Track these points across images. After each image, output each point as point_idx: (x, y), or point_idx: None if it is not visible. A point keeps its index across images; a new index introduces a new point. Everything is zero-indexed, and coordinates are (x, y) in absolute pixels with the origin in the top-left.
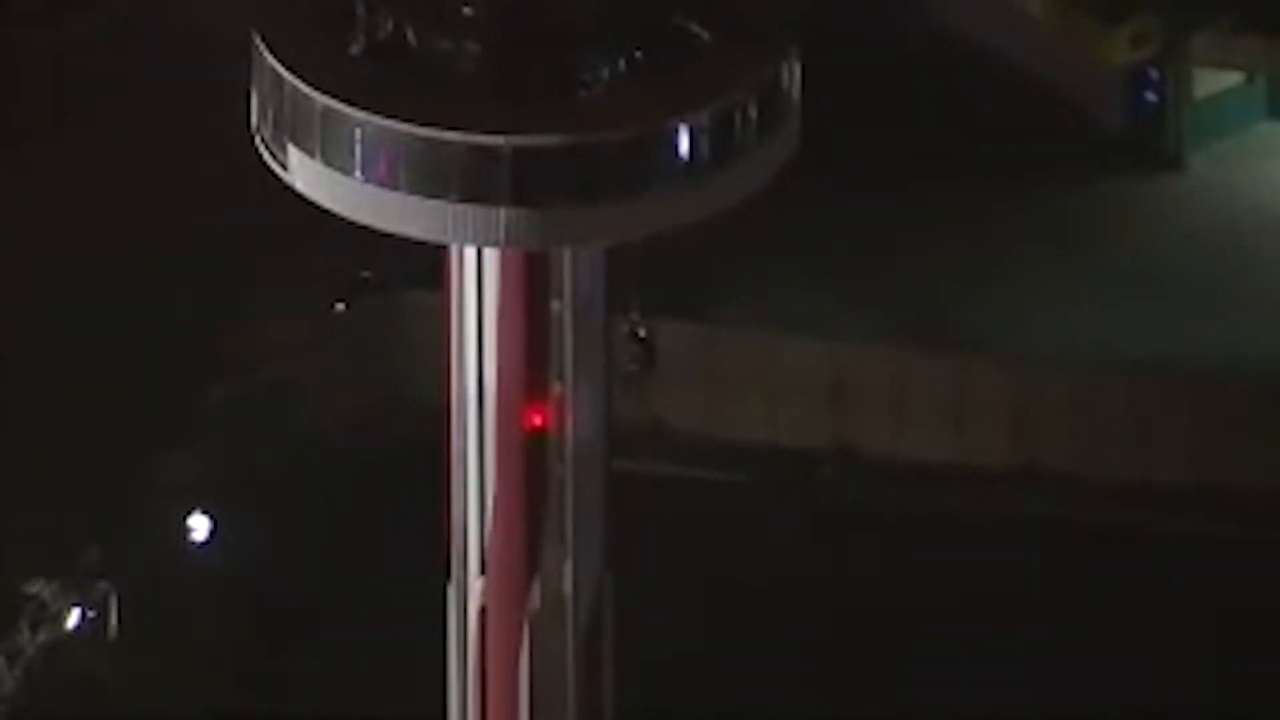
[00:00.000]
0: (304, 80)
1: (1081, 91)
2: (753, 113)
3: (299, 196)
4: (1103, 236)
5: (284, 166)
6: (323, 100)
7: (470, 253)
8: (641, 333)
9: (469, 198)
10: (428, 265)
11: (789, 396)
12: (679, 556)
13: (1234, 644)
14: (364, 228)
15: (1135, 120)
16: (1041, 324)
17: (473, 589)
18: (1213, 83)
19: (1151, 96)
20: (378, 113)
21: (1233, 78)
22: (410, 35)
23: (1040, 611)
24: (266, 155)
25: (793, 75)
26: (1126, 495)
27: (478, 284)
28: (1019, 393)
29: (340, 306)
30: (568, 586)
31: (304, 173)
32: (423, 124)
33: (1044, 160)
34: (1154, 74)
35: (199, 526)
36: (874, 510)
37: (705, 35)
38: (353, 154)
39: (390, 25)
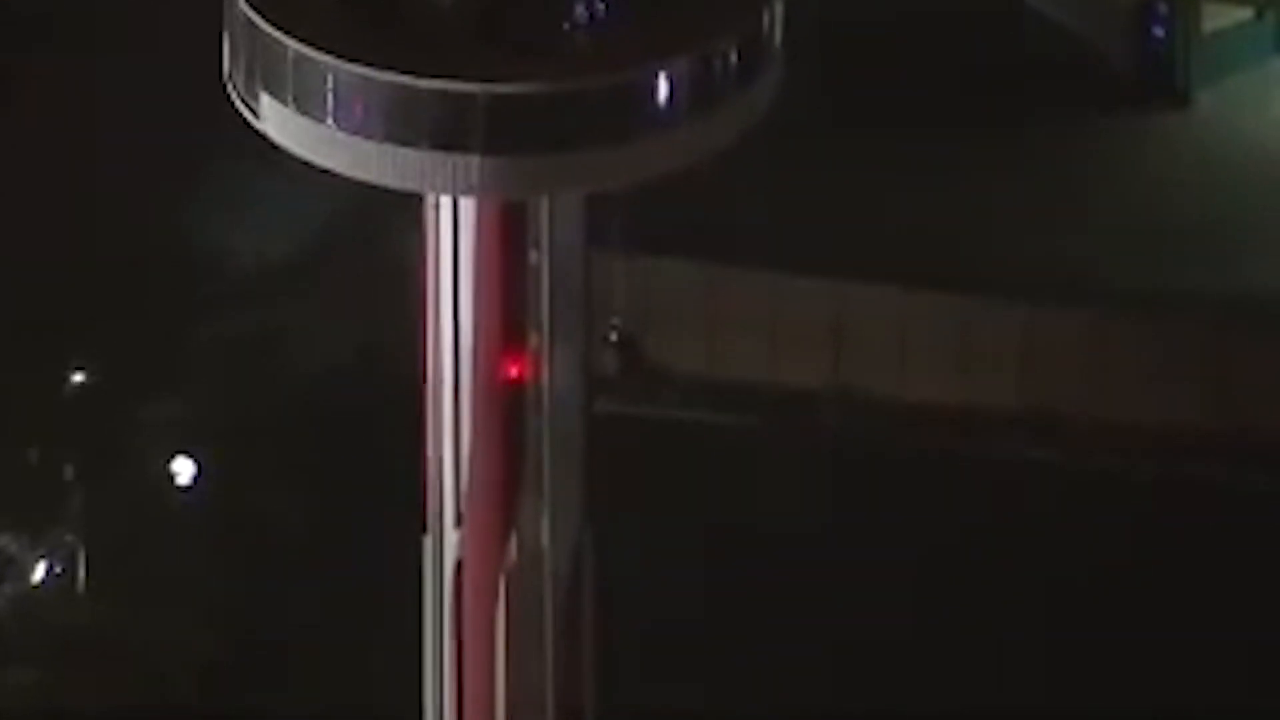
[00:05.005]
0: (276, 26)
1: (1089, 26)
2: (734, 59)
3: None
4: (1110, 173)
5: (256, 114)
6: (295, 46)
7: (446, 202)
8: (614, 337)
9: (444, 146)
10: None
11: (790, 338)
12: (678, 500)
13: (1249, 592)
14: None
15: (1143, 56)
16: (1047, 262)
17: (449, 542)
18: (1222, 18)
19: (1160, 32)
20: (351, 59)
21: (1242, 13)
22: None
23: (1046, 557)
24: (239, 102)
25: (774, 20)
26: (1134, 437)
27: (454, 233)
28: (1024, 333)
29: None
30: (545, 539)
31: (276, 120)
32: (397, 71)
33: (1050, 96)
34: (1162, 9)
35: (183, 471)
36: (877, 453)
37: None
38: (325, 101)
39: None
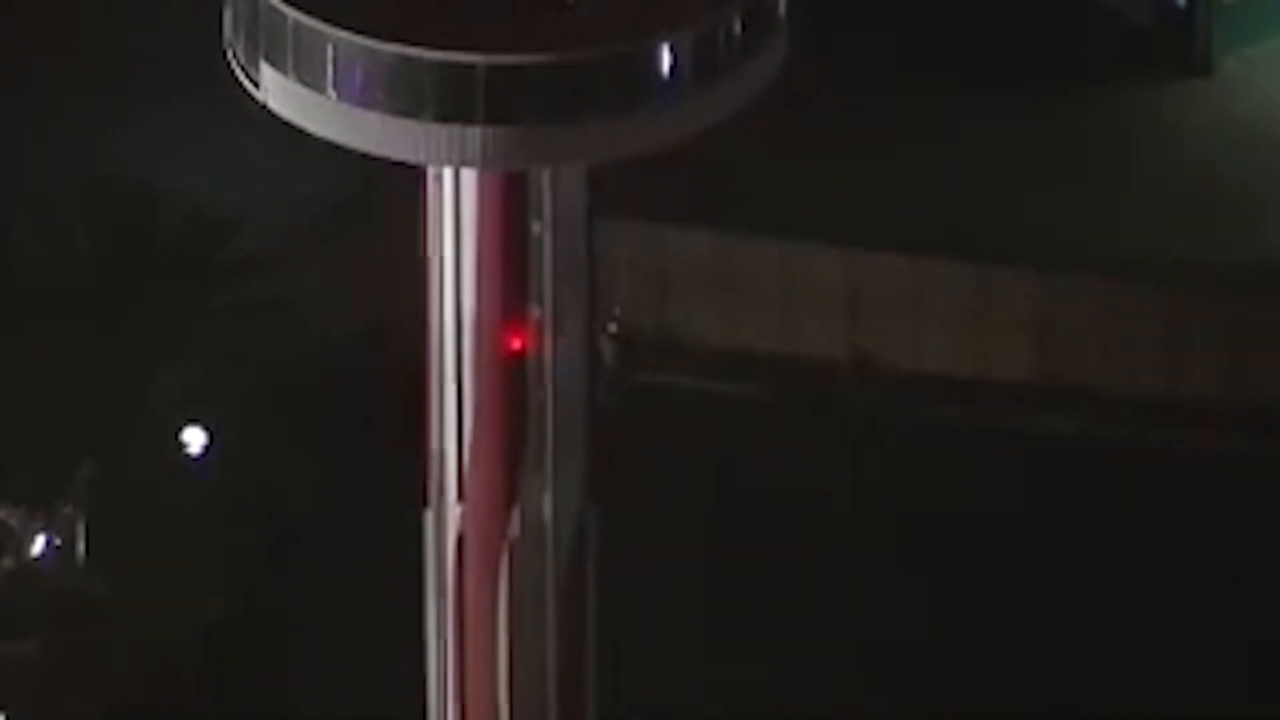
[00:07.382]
0: None
1: None
2: (737, 31)
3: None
4: (1131, 141)
5: (257, 84)
6: (295, 16)
7: (448, 173)
8: (613, 328)
9: (445, 117)
10: None
11: (806, 307)
12: (695, 469)
13: (1263, 559)
14: None
15: (1165, 23)
16: (1065, 230)
17: (451, 516)
18: None
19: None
20: (351, 29)
21: None
22: None
23: (1062, 526)
24: (240, 73)
25: None
26: (1152, 408)
27: (455, 205)
28: (1041, 301)
29: None
30: (548, 513)
31: (277, 91)
32: (397, 41)
33: (1071, 63)
34: None
35: (194, 440)
36: (892, 422)
37: None
38: (326, 72)
39: None
